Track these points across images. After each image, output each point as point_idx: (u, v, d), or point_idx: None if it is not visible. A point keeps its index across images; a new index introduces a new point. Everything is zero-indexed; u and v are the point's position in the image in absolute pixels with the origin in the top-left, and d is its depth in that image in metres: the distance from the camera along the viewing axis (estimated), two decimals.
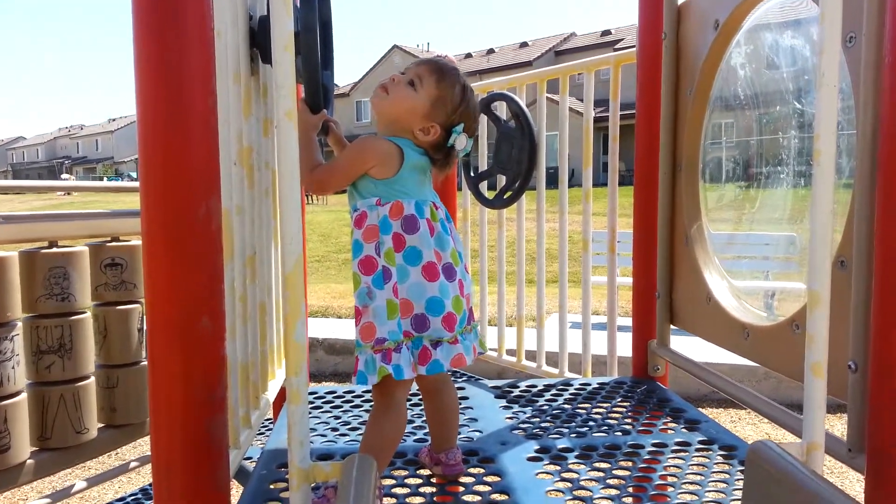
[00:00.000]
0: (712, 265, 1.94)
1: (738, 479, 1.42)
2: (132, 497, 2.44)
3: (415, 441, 1.69)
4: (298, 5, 1.44)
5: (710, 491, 1.38)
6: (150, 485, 2.54)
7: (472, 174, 2.74)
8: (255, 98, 1.57)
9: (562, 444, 1.65)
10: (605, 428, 1.77)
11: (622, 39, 32.91)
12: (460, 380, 2.36)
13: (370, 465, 1.06)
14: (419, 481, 1.48)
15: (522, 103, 2.43)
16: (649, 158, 2.12)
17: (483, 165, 2.77)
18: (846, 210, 1.30)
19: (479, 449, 1.63)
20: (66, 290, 1.97)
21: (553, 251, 2.81)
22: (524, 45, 40.76)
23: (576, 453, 1.59)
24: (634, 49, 2.22)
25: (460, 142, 1.43)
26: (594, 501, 1.36)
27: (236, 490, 1.52)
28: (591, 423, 1.82)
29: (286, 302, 1.10)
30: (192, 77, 1.06)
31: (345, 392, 2.14)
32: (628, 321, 2.30)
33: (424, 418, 1.57)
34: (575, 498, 1.37)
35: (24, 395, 1.83)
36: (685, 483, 1.42)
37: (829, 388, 1.15)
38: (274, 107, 1.66)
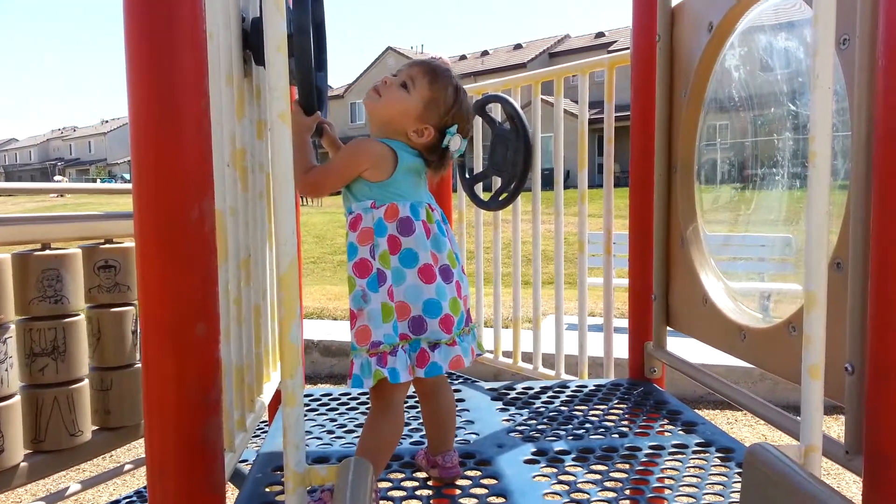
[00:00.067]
0: (708, 267, 1.94)
1: (735, 482, 1.42)
2: (126, 500, 2.43)
3: (411, 444, 1.69)
4: (291, 7, 1.44)
5: (707, 493, 1.38)
6: (144, 487, 2.53)
7: (467, 176, 2.74)
8: (248, 100, 1.56)
9: (559, 446, 1.65)
10: (602, 430, 1.77)
11: (616, 41, 32.98)
12: (456, 382, 2.36)
13: (366, 468, 1.06)
14: (416, 484, 1.47)
15: (517, 105, 2.43)
16: (644, 160, 2.12)
17: (478, 167, 2.77)
18: (841, 211, 1.30)
19: (475, 451, 1.62)
20: (60, 293, 1.96)
21: (549, 252, 2.81)
22: (518, 46, 40.80)
23: (573, 456, 1.59)
24: (628, 51, 2.22)
25: (454, 143, 1.43)
26: None
27: (231, 493, 1.51)
28: (587, 425, 1.81)
29: (281, 304, 1.09)
30: (184, 79, 1.05)
31: (340, 394, 2.13)
32: (624, 322, 2.30)
33: (421, 421, 1.56)
34: (572, 500, 1.36)
35: (17, 398, 1.82)
36: (683, 486, 1.42)
37: (825, 391, 1.16)
38: (267, 109, 1.65)
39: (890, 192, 1.14)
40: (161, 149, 1.06)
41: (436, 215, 1.41)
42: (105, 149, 61.67)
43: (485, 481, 1.46)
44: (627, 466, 1.53)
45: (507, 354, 2.84)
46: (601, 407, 1.96)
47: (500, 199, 2.50)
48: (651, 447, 1.63)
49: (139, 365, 2.16)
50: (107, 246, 2.13)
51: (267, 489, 1.44)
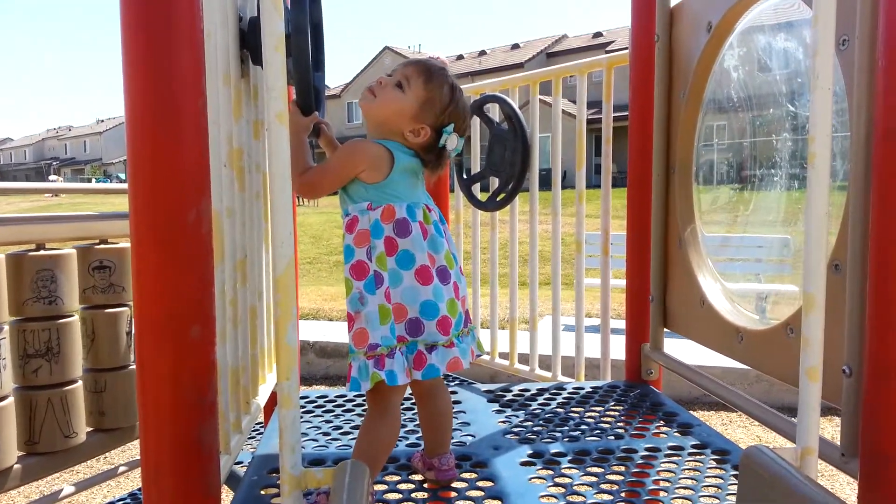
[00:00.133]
0: (706, 268, 1.93)
1: (731, 484, 1.42)
2: (121, 501, 2.41)
3: (407, 446, 1.68)
4: (289, 6, 1.43)
5: (703, 496, 1.37)
6: (139, 489, 2.52)
7: (464, 176, 2.74)
8: (245, 100, 1.55)
9: (555, 448, 1.64)
10: (599, 432, 1.77)
11: (614, 41, 33.04)
12: (452, 384, 2.35)
13: (363, 471, 1.05)
14: (412, 486, 1.46)
15: (515, 105, 2.42)
16: (642, 161, 2.11)
17: (476, 167, 2.77)
18: (840, 213, 1.30)
19: (472, 454, 1.62)
20: (54, 294, 1.94)
21: (545, 253, 2.81)
22: (516, 46, 40.83)
23: (569, 458, 1.59)
24: (627, 51, 2.22)
25: (451, 142, 1.42)
26: None
27: (226, 495, 1.50)
28: (584, 427, 1.81)
29: (278, 305, 1.08)
30: (181, 78, 1.04)
31: (336, 396, 2.12)
32: (621, 324, 2.30)
33: (417, 423, 1.55)
34: (568, 503, 1.36)
35: (10, 400, 1.80)
36: (679, 488, 1.42)
37: (822, 393, 1.15)
38: (265, 109, 1.65)
39: (889, 193, 1.14)
40: (158, 149, 1.05)
41: (433, 216, 1.40)
42: (100, 148, 61.52)
43: (481, 483, 1.46)
44: (624, 468, 1.53)
45: (503, 356, 2.83)
46: (598, 409, 1.96)
47: (498, 199, 2.49)
48: (647, 449, 1.63)
49: (134, 366, 2.13)
50: (102, 246, 2.12)
51: (262, 491, 1.44)
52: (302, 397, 2.07)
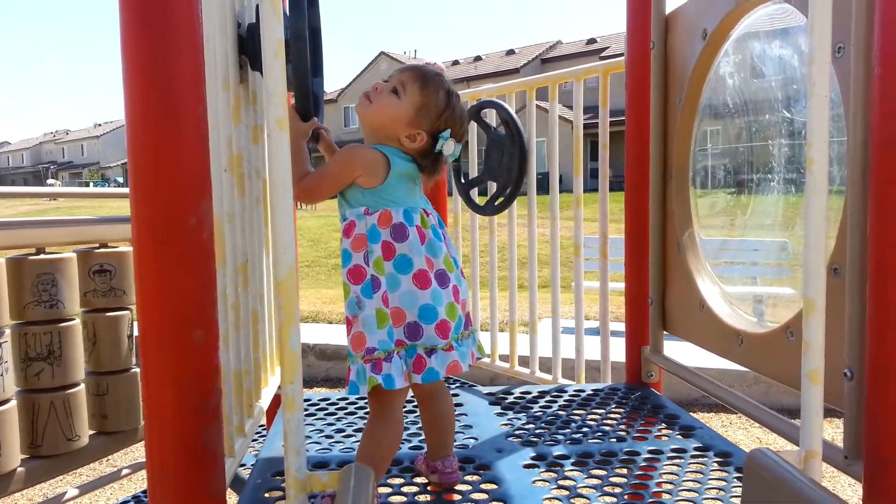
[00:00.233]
0: (704, 272, 1.95)
1: (734, 487, 1.43)
2: None
3: (410, 448, 1.69)
4: (287, 13, 1.43)
5: (707, 499, 1.38)
6: (142, 492, 2.52)
7: (462, 181, 2.75)
8: (244, 105, 1.56)
9: (557, 451, 1.65)
10: (601, 434, 1.77)
11: (608, 48, 33.09)
12: (454, 386, 2.36)
13: (368, 474, 1.06)
14: (415, 489, 1.47)
15: (512, 110, 2.43)
16: (639, 166, 2.13)
17: (473, 172, 2.78)
18: (837, 217, 1.31)
19: (475, 456, 1.62)
20: (55, 297, 1.95)
21: (543, 257, 2.82)
22: (511, 52, 40.88)
23: (572, 460, 1.59)
24: (623, 58, 2.23)
25: (448, 147, 1.43)
26: None
27: (231, 499, 1.51)
28: (586, 429, 1.82)
29: (280, 309, 1.09)
30: (182, 84, 1.05)
31: (338, 399, 2.13)
32: (620, 326, 2.31)
33: (420, 425, 1.56)
34: None
35: (13, 403, 1.81)
36: (682, 490, 1.42)
37: (824, 396, 1.16)
38: (264, 115, 1.66)
39: (886, 197, 1.15)
40: (159, 154, 1.05)
41: (431, 220, 1.41)
42: (98, 152, 61.40)
43: (485, 486, 1.46)
44: (627, 471, 1.53)
45: (503, 358, 2.84)
46: (599, 411, 1.96)
47: (496, 203, 2.50)
48: (649, 451, 1.64)
49: (135, 369, 2.15)
50: (102, 250, 2.13)
51: (266, 494, 1.44)
52: (304, 400, 2.07)
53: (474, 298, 2.89)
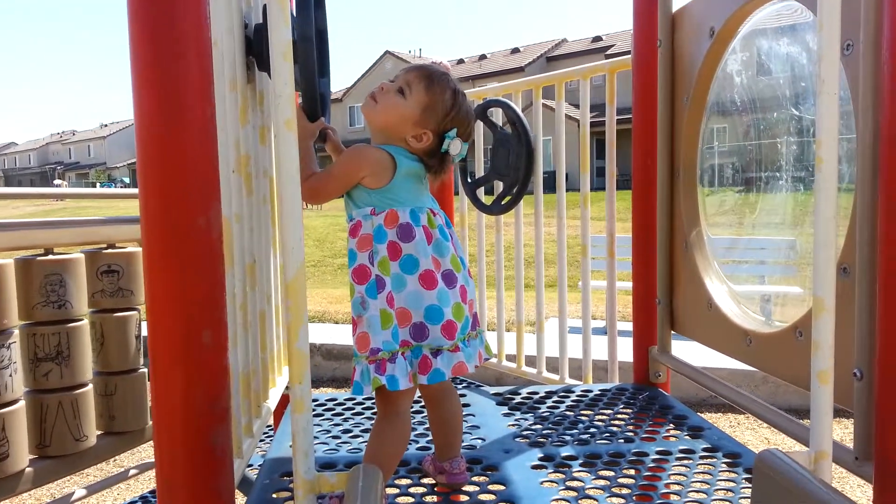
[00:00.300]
0: (712, 271, 1.94)
1: (743, 487, 1.42)
2: None
3: (418, 449, 1.68)
4: (294, 14, 1.43)
5: (715, 500, 1.37)
6: (149, 492, 2.53)
7: (469, 180, 2.75)
8: (251, 106, 1.56)
9: (565, 451, 1.65)
10: (609, 435, 1.77)
11: (613, 45, 33.02)
12: (461, 387, 2.36)
13: (376, 475, 1.06)
14: (423, 490, 1.47)
15: (518, 110, 2.43)
16: (647, 165, 2.12)
17: (480, 172, 2.77)
18: (847, 214, 1.30)
19: (482, 457, 1.62)
20: (63, 298, 1.95)
21: (549, 256, 2.81)
22: (516, 50, 40.85)
23: (580, 461, 1.59)
24: (629, 56, 2.23)
25: (454, 147, 1.42)
26: None
27: (239, 499, 1.51)
28: (594, 430, 1.81)
29: (288, 310, 1.09)
30: (190, 86, 1.05)
31: (345, 399, 2.13)
32: (627, 326, 2.30)
33: (427, 426, 1.56)
34: None
35: (21, 403, 1.81)
36: (691, 491, 1.42)
37: (834, 396, 1.16)
38: (272, 115, 1.66)
39: None
40: (168, 156, 1.06)
41: (438, 220, 1.40)
42: (104, 152, 61.65)
43: (492, 487, 1.46)
44: (635, 472, 1.53)
45: (510, 358, 2.84)
46: (607, 412, 1.96)
47: (503, 203, 2.50)
48: (658, 452, 1.63)
49: (143, 370, 2.16)
50: (109, 251, 2.13)
51: (275, 495, 1.44)
52: (312, 401, 2.08)
53: (481, 298, 2.89)
